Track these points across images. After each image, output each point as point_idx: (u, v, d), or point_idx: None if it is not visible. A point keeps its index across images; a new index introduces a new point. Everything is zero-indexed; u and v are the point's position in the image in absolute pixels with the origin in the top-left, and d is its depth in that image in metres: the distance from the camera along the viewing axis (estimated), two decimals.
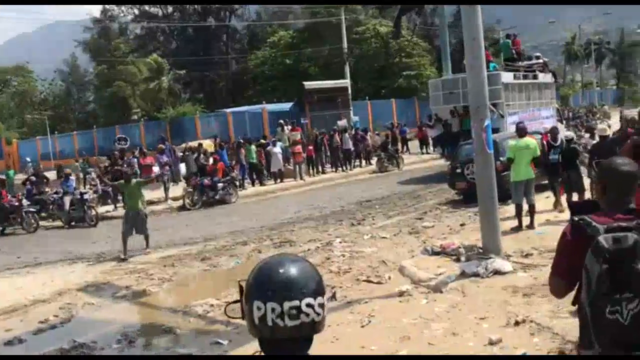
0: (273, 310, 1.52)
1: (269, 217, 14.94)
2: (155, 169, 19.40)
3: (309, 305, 1.54)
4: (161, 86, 39.88)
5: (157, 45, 48.42)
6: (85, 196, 16.84)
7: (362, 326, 6.59)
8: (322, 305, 1.57)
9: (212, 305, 8.04)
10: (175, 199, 18.67)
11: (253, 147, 20.97)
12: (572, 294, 2.56)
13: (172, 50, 47.25)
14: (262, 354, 1.62)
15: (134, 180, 12.25)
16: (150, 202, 18.80)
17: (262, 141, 22.15)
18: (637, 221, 2.39)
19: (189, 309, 8.12)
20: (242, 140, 21.84)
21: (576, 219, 2.47)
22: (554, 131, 11.76)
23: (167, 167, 19.74)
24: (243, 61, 46.23)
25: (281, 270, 1.56)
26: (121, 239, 11.46)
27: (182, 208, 17.79)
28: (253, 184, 20.97)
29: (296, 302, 1.53)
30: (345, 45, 34.11)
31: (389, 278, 8.44)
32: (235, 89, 44.25)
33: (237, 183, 19.44)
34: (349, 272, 9.02)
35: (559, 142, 11.19)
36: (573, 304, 2.60)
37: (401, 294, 7.56)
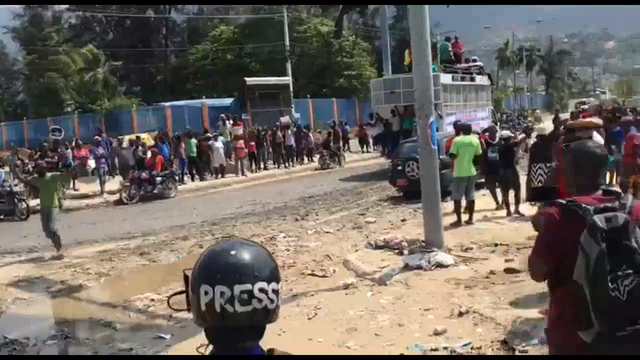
0: (222, 294, 1.40)
1: (210, 212, 14.68)
2: (91, 162, 18.71)
3: (262, 290, 1.43)
4: (96, 78, 38.51)
5: (92, 36, 46.73)
6: (15, 189, 16.03)
7: (309, 318, 6.55)
8: (276, 292, 1.46)
9: (152, 300, 7.80)
10: (111, 192, 18.07)
11: (193, 141, 20.56)
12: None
13: (109, 41, 45.72)
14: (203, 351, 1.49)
15: (48, 175, 11.29)
16: (85, 196, 18.21)
17: (209, 134, 21.69)
18: (619, 201, 2.48)
19: (128, 303, 7.84)
20: (182, 134, 21.36)
21: (564, 201, 2.53)
22: (492, 130, 12.19)
23: (103, 160, 19.06)
24: (183, 55, 45.33)
25: (233, 253, 1.45)
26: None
27: (119, 202, 17.23)
28: (193, 179, 20.57)
29: (248, 286, 1.41)
30: (287, 42, 34.03)
31: (334, 271, 8.45)
32: (175, 83, 43.28)
33: (177, 177, 19.00)
34: (293, 266, 8.97)
35: (496, 141, 11.49)
36: (551, 288, 2.64)
37: (346, 286, 7.58)
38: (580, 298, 2.39)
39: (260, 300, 1.43)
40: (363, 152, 27.27)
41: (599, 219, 2.38)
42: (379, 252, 8.99)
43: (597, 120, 9.39)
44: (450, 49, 20.82)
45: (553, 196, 3.39)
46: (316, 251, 9.74)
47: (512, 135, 11.92)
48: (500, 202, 11.42)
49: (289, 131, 23.71)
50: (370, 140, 25.96)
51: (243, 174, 21.34)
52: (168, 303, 1.67)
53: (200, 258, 1.48)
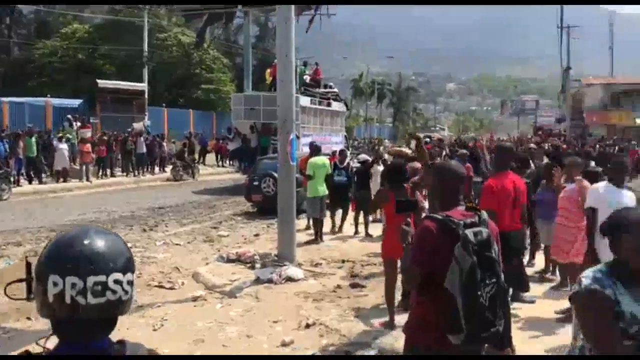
0: (73, 285, 1.31)
1: (48, 217, 13.59)
2: None
3: (117, 281, 1.35)
4: None
5: None
6: None
7: (155, 329, 6.31)
8: (131, 283, 1.39)
9: None
10: None
11: (34, 140, 18.96)
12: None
13: None
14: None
15: None
16: None
17: (60, 134, 20.06)
18: (481, 217, 2.79)
19: None
20: (22, 132, 19.61)
21: (440, 216, 2.75)
22: (343, 154, 12.54)
23: None
24: (28, 49, 41.80)
25: (86, 242, 1.36)
26: None
27: None
28: (30, 181, 18.94)
29: (102, 277, 1.33)
30: (145, 48, 32.89)
31: (183, 284, 8.24)
32: (17, 77, 39.70)
33: (11, 178, 17.38)
34: (139, 277, 8.55)
35: (344, 165, 11.96)
36: (419, 294, 2.83)
37: (195, 299, 7.43)
38: (450, 304, 2.61)
39: (114, 292, 1.35)
40: (219, 166, 27.01)
41: (469, 233, 2.66)
42: (230, 265, 8.93)
43: (406, 150, 10.44)
44: (306, 73, 21.53)
45: (414, 208, 3.70)
46: (164, 263, 9.43)
47: (369, 159, 12.45)
48: (336, 225, 11.75)
49: (141, 138, 22.81)
50: (229, 155, 25.85)
51: (88, 179, 20.10)
52: (5, 291, 1.53)
53: (50, 244, 1.38)
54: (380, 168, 11.66)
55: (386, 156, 11.38)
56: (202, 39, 33.70)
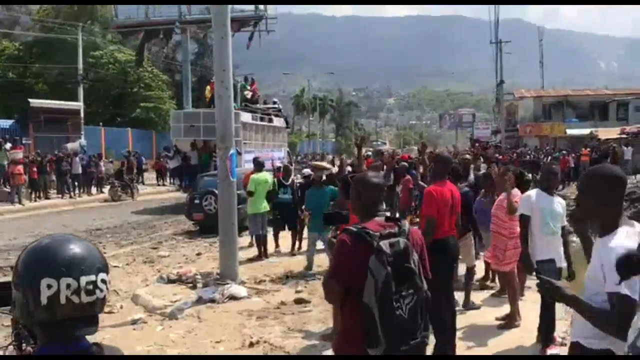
0: (68, 286, 1.44)
1: None
2: None
3: (103, 280, 1.51)
4: None
5: None
6: None
7: None
8: (109, 282, 1.54)
9: None
10: None
11: None
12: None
13: None
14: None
15: None
16: None
17: None
18: (400, 228, 2.75)
19: None
20: None
21: (354, 228, 2.71)
22: (287, 170, 12.02)
23: None
24: None
25: (70, 246, 1.50)
26: None
27: None
28: None
29: (92, 277, 1.48)
30: (80, 66, 31.99)
31: (121, 307, 7.95)
32: None
33: None
34: None
35: (289, 182, 11.50)
36: (342, 308, 2.79)
37: (134, 322, 7.18)
38: (369, 318, 2.57)
39: (101, 290, 1.50)
40: (159, 185, 26.46)
41: (384, 245, 2.61)
42: (171, 286, 8.71)
43: (327, 164, 10.73)
44: (248, 89, 21.45)
45: (343, 220, 3.67)
46: None
47: (313, 174, 12.19)
48: (280, 245, 11.32)
49: (77, 158, 22.09)
50: (168, 173, 25.37)
51: (20, 202, 19.26)
52: None
53: (31, 252, 1.49)
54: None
55: (307, 171, 11.21)
56: (142, 56, 33.09)
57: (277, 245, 11.32)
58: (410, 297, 2.62)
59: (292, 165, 22.66)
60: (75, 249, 1.50)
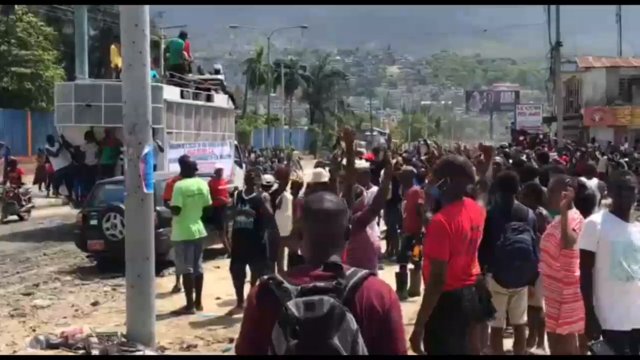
0: None
1: None
2: None
3: None
4: None
5: None
6: None
7: None
8: None
9: None
10: None
11: None
12: None
13: None
14: None
15: None
16: None
17: None
18: (337, 280, 2.65)
19: None
20: None
21: (265, 277, 2.73)
22: (250, 177, 11.32)
23: None
24: None
25: None
26: None
27: None
28: None
29: None
30: None
31: None
32: None
33: None
34: None
35: (253, 195, 10.72)
36: None
37: None
38: None
39: None
40: (47, 196, 26.44)
41: (295, 306, 2.54)
42: (52, 352, 8.65)
43: (324, 173, 10.45)
44: (184, 50, 21.27)
45: None
46: None
47: (274, 181, 12.07)
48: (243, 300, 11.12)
49: None
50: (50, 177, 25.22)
51: None
52: None
53: None
54: (289, 196, 11.55)
55: (269, 177, 11.06)
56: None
57: (240, 300, 10.51)
58: None
59: (242, 167, 22.70)
60: None
